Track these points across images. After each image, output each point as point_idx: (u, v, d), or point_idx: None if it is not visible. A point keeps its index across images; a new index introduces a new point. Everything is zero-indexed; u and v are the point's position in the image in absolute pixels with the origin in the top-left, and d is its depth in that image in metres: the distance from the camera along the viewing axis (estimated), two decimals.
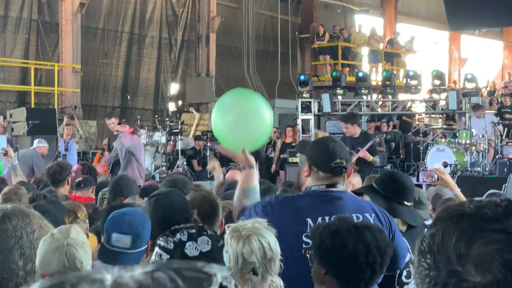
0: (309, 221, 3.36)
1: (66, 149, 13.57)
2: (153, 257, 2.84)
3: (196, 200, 4.01)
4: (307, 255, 3.23)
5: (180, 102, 22.12)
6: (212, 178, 14.99)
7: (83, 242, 2.83)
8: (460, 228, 1.22)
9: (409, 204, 4.12)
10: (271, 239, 2.93)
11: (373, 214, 3.51)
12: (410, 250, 3.70)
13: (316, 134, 16.65)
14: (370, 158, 10.95)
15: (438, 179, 4.61)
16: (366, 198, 3.96)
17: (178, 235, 2.79)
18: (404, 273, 3.72)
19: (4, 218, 2.90)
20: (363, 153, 10.73)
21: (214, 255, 2.78)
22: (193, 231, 2.83)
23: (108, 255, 3.35)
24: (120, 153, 11.72)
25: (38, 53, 19.42)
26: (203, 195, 4.08)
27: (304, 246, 3.28)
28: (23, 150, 11.84)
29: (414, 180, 4.60)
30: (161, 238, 2.83)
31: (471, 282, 1.18)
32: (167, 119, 17.50)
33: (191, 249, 2.75)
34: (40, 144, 12.01)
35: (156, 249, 2.84)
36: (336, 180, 3.49)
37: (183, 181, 6.01)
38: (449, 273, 1.20)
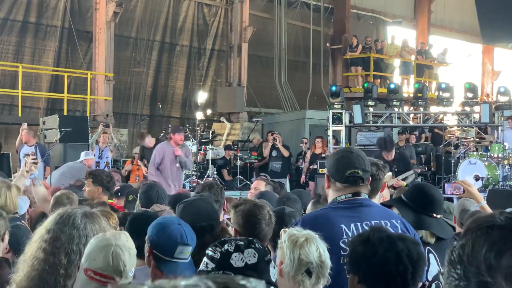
0: (343, 227, 3.39)
1: (100, 157, 13.65)
2: (201, 266, 2.88)
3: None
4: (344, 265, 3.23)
5: (209, 111, 22.19)
6: (242, 188, 15.19)
7: (130, 248, 2.87)
8: (490, 239, 1.21)
9: (438, 216, 4.10)
10: (325, 247, 2.99)
11: (399, 221, 3.57)
12: (439, 262, 3.66)
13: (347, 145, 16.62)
14: (404, 184, 11.23)
15: (464, 191, 4.59)
16: (395, 210, 3.95)
17: (226, 246, 2.82)
18: (433, 286, 3.70)
19: (69, 217, 3.01)
20: (397, 183, 11.03)
21: (260, 268, 2.80)
22: (241, 243, 2.86)
23: (172, 267, 3.34)
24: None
25: (68, 60, 19.62)
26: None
27: (342, 253, 3.30)
28: (70, 163, 11.61)
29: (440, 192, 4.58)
30: (210, 248, 2.88)
31: None
32: (197, 128, 17.56)
33: (236, 259, 2.78)
34: (87, 157, 11.72)
35: (204, 258, 2.87)
36: (356, 189, 3.52)
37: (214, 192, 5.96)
38: (479, 283, 1.19)
